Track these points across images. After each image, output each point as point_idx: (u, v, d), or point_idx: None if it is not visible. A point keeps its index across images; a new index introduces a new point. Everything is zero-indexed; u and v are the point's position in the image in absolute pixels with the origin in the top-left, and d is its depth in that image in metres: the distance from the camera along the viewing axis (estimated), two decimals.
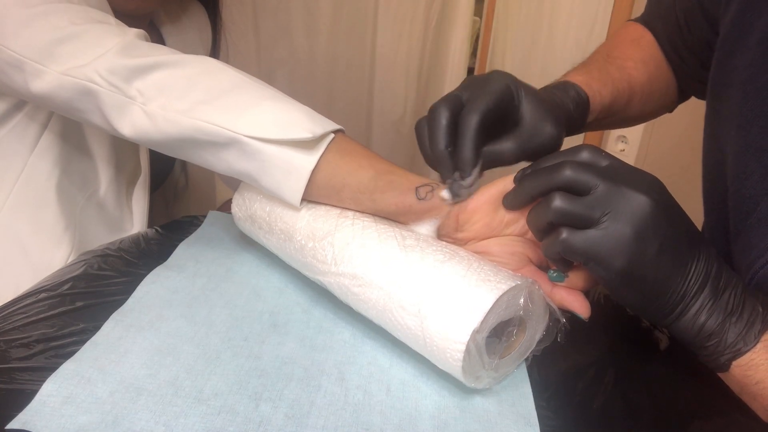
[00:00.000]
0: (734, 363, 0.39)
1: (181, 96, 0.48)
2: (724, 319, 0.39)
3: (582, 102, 0.57)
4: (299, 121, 0.47)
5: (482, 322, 0.37)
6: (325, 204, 0.49)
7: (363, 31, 1.80)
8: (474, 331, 0.37)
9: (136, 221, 0.73)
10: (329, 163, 0.47)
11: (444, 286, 0.40)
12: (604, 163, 0.39)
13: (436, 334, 0.39)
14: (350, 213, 0.48)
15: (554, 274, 0.42)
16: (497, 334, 0.40)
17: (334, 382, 0.41)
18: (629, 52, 0.67)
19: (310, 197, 0.48)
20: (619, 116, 0.65)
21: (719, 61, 0.54)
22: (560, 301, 0.42)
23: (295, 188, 0.47)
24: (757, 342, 0.38)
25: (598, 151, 0.40)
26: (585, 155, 0.40)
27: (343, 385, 0.41)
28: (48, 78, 0.50)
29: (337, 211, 0.48)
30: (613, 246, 0.37)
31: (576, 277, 0.42)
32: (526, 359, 0.44)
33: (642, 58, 0.66)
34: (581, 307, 0.42)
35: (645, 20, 0.70)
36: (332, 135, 0.48)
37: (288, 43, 1.75)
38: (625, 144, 1.50)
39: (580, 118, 0.58)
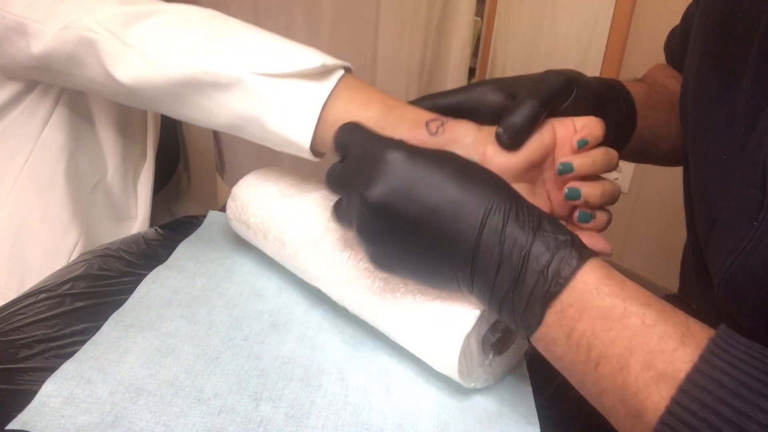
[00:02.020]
0: (532, 338, 0.34)
1: (182, 38, 0.47)
2: (502, 297, 0.33)
3: (614, 83, 0.53)
4: (307, 53, 0.45)
5: (475, 325, 0.37)
6: (317, 208, 0.49)
7: (364, 31, 1.80)
8: (467, 335, 0.37)
9: (141, 208, 0.72)
10: (339, 99, 0.45)
11: (436, 290, 0.40)
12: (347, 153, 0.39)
13: (430, 339, 0.39)
14: None
15: (581, 215, 0.42)
16: (494, 330, 0.40)
17: (334, 382, 0.41)
18: (655, 72, 0.65)
19: (319, 139, 0.46)
20: (674, 128, 0.59)
21: (686, 68, 0.54)
22: None
23: (305, 126, 0.45)
24: (542, 321, 0.32)
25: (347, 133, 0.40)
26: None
27: (343, 384, 0.41)
28: (48, 36, 0.50)
29: (328, 215, 0.48)
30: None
31: (601, 215, 0.42)
32: (526, 353, 0.44)
33: (673, 75, 0.64)
34: (605, 246, 0.41)
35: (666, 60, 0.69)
36: (342, 71, 0.46)
37: None
38: (619, 172, 1.48)
39: (617, 98, 0.53)
